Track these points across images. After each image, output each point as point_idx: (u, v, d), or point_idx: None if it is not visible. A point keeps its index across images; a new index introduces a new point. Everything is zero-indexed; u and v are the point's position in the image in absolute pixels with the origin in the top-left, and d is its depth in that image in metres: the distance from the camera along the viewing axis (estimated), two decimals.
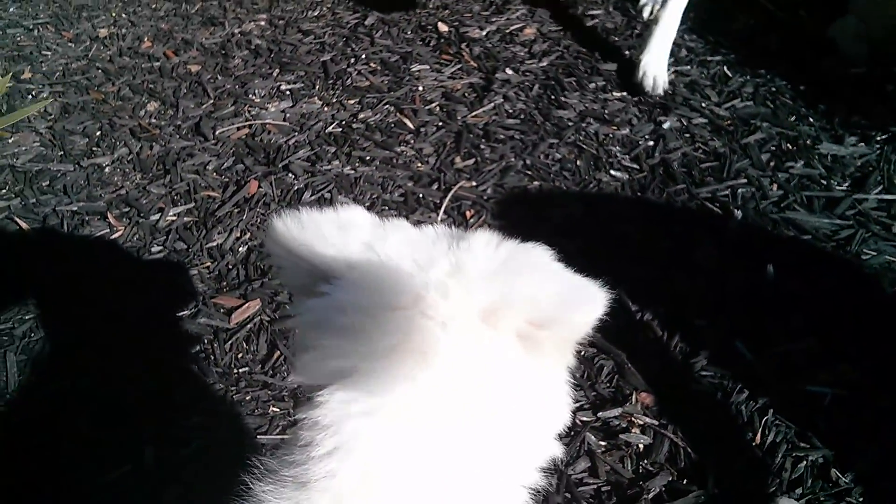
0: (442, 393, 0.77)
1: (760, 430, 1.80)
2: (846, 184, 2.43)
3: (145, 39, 3.53)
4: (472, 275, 0.81)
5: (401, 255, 0.85)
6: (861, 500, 1.66)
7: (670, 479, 1.74)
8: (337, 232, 0.88)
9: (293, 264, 0.89)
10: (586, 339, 0.85)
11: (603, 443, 1.81)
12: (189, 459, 1.83)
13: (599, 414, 1.85)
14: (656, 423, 1.83)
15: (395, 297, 0.79)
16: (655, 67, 2.83)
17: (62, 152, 2.87)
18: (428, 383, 0.77)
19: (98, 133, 2.96)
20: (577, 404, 1.88)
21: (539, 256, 0.88)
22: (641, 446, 1.80)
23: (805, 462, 1.74)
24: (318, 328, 0.81)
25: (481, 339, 0.79)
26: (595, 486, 1.73)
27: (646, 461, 1.77)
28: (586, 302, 0.81)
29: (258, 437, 1.86)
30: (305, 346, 0.82)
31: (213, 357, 2.07)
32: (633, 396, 1.88)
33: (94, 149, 2.88)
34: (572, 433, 1.82)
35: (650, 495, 1.70)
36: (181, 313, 2.19)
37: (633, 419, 1.84)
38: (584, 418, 1.85)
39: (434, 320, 0.78)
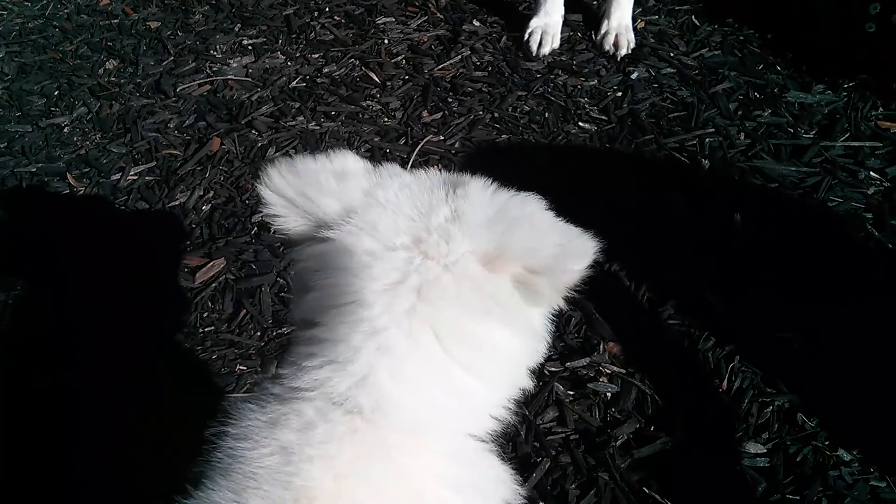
0: (440, 324, 0.84)
1: (727, 376, 1.81)
2: (813, 131, 2.42)
3: None
4: (471, 222, 0.87)
5: (400, 201, 0.90)
6: (827, 443, 1.68)
7: (638, 426, 1.75)
8: (335, 181, 0.92)
9: (293, 213, 0.93)
10: (578, 285, 0.89)
11: (571, 392, 1.82)
12: (156, 420, 1.81)
13: (567, 364, 1.85)
14: (624, 371, 1.84)
15: (398, 238, 0.86)
16: (620, 28, 2.80)
17: (20, 113, 2.80)
18: (429, 316, 0.84)
19: (56, 93, 2.89)
20: (546, 355, 1.87)
21: (534, 206, 0.93)
22: (609, 395, 1.81)
23: (771, 407, 1.76)
24: (324, 270, 0.87)
25: (480, 280, 0.85)
26: (564, 435, 1.74)
27: (614, 409, 1.78)
28: (580, 252, 0.86)
29: (226, 395, 1.85)
30: (307, 288, 0.88)
31: (178, 316, 2.04)
32: (601, 346, 1.89)
33: (52, 109, 2.82)
34: (541, 383, 1.82)
35: (618, 443, 1.71)
36: (144, 274, 2.15)
37: (600, 368, 1.84)
38: (553, 368, 1.85)
39: (436, 261, 0.85)
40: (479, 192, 0.92)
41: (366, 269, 0.84)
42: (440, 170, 1.00)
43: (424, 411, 0.85)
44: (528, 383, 0.96)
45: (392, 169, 0.98)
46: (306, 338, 0.87)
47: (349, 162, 0.98)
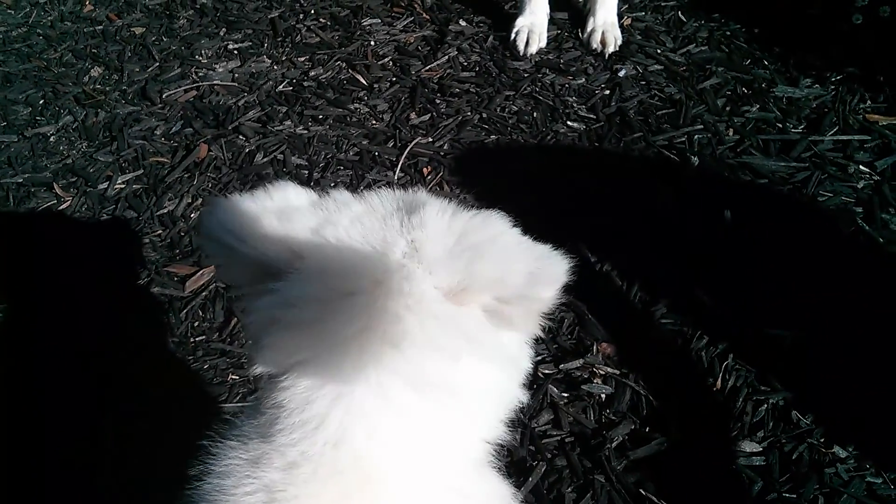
0: (411, 372, 0.78)
1: (721, 375, 1.81)
2: (802, 126, 2.42)
3: (87, 3, 3.39)
4: (431, 255, 0.80)
5: (352, 238, 0.82)
6: (822, 440, 1.68)
7: (633, 427, 1.74)
8: (277, 221, 0.84)
9: (234, 261, 0.85)
10: (553, 308, 0.85)
11: (565, 394, 1.81)
12: (149, 432, 1.80)
13: (561, 366, 1.85)
14: (618, 372, 1.84)
15: (353, 283, 0.78)
16: (607, 25, 2.79)
17: (5, 123, 2.77)
18: (393, 366, 0.77)
19: (41, 101, 2.87)
20: (539, 357, 1.87)
21: (498, 228, 0.85)
22: (604, 396, 1.81)
23: (766, 405, 1.76)
24: (272, 326, 0.79)
25: (447, 317, 0.79)
26: (559, 438, 1.74)
27: (608, 411, 1.77)
28: (551, 277, 0.80)
29: (219, 405, 1.84)
30: (262, 345, 0.80)
31: (168, 327, 2.02)
32: (594, 347, 1.88)
33: (37, 118, 2.79)
34: (535, 386, 1.81)
35: (614, 444, 1.71)
36: (135, 283, 2.14)
37: (594, 370, 1.84)
38: (547, 371, 1.84)
39: (397, 303, 0.77)
40: (437, 218, 0.84)
41: (318, 323, 0.77)
42: (395, 188, 0.94)
43: (410, 456, 0.80)
44: (522, 398, 0.90)
45: (341, 197, 0.90)
46: (275, 386, 0.80)
47: (291, 196, 0.89)
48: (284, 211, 0.86)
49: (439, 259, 0.80)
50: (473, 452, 0.86)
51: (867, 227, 2.09)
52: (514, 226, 0.87)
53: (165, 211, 2.35)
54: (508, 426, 0.91)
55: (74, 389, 1.91)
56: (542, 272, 0.80)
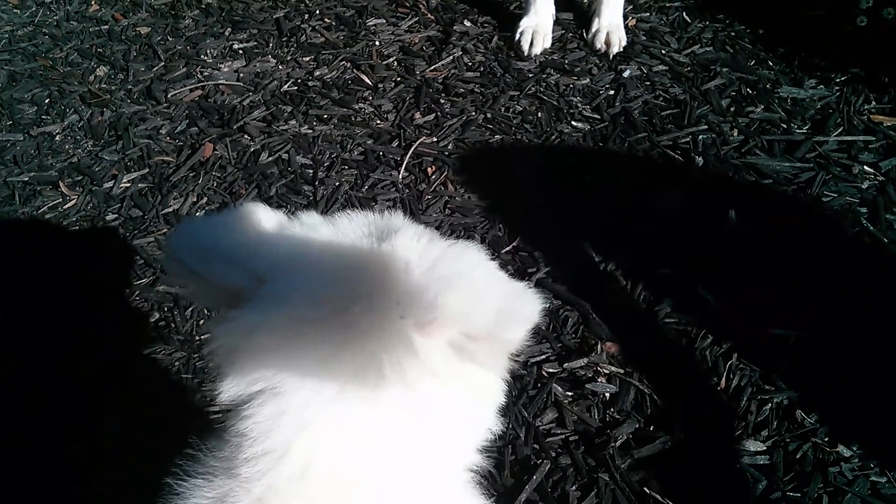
0: (374, 402, 0.76)
1: (725, 374, 1.81)
2: (806, 127, 2.42)
3: (92, 2, 3.40)
4: (400, 286, 0.77)
5: (322, 267, 0.80)
6: (826, 440, 1.68)
7: (637, 426, 1.74)
8: (241, 246, 0.82)
9: (199, 286, 0.84)
10: (519, 351, 0.83)
11: (570, 393, 1.81)
12: (149, 431, 1.80)
13: (565, 365, 1.85)
14: (622, 371, 1.84)
15: (317, 310, 0.76)
16: (612, 26, 2.80)
17: (11, 121, 2.78)
18: (360, 393, 0.75)
19: (47, 100, 2.88)
20: (543, 356, 1.87)
21: (472, 260, 0.82)
22: (608, 395, 1.81)
23: (770, 405, 1.75)
24: (234, 354, 0.77)
25: (413, 350, 0.76)
26: (563, 437, 1.74)
27: (612, 409, 1.78)
28: (522, 316, 0.78)
29: None
30: (224, 373, 0.78)
31: (173, 325, 2.03)
32: (599, 346, 1.88)
33: (43, 117, 2.80)
34: (539, 385, 1.82)
35: (618, 443, 1.71)
36: (139, 282, 2.14)
37: (598, 368, 1.84)
38: (551, 370, 1.85)
39: (364, 332, 0.75)
40: (408, 246, 0.81)
41: (281, 350, 0.75)
42: (370, 210, 0.92)
43: (379, 485, 0.77)
44: (494, 427, 0.86)
45: (309, 220, 0.88)
46: (238, 415, 0.78)
47: (260, 217, 0.87)
48: (249, 234, 0.84)
49: (407, 292, 0.76)
50: (446, 479, 0.83)
51: (871, 228, 2.09)
52: (491, 259, 0.85)
53: (171, 210, 2.36)
54: (486, 454, 0.88)
55: (75, 388, 1.92)
56: (512, 311, 0.77)
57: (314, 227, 0.87)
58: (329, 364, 0.75)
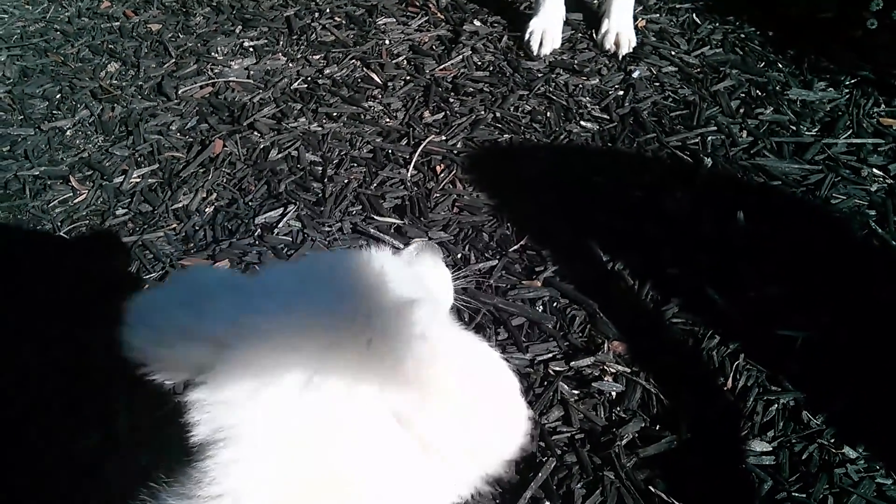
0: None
1: (732, 374, 1.81)
2: (815, 129, 2.42)
3: None
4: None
5: (280, 328, 0.78)
6: (832, 441, 1.68)
7: (643, 425, 1.75)
8: (194, 317, 0.81)
9: (162, 364, 0.83)
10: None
11: (576, 391, 1.82)
12: (162, 423, 1.80)
13: (572, 363, 1.85)
14: (628, 370, 1.84)
15: (286, 377, 0.75)
16: (621, 27, 2.80)
17: (22, 116, 2.80)
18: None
19: (58, 96, 2.89)
20: (550, 354, 1.88)
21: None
22: (614, 394, 1.81)
23: (776, 405, 1.76)
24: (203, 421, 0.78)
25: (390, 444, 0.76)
26: (569, 435, 1.74)
27: (618, 408, 1.78)
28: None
29: None
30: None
31: None
32: (606, 345, 1.89)
33: (54, 112, 2.82)
34: (546, 383, 1.82)
35: (623, 442, 1.71)
36: (148, 276, 2.16)
37: (605, 367, 1.84)
38: (557, 368, 1.85)
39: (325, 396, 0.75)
40: (398, 316, 0.79)
41: (237, 409, 0.75)
42: (331, 248, 0.89)
43: None
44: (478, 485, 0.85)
45: (274, 272, 0.87)
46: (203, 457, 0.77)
47: (208, 282, 0.86)
48: (203, 302, 0.82)
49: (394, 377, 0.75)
50: None
51: (880, 230, 2.09)
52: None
53: (180, 205, 2.37)
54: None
55: (88, 382, 1.93)
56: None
57: (280, 277, 0.87)
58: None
